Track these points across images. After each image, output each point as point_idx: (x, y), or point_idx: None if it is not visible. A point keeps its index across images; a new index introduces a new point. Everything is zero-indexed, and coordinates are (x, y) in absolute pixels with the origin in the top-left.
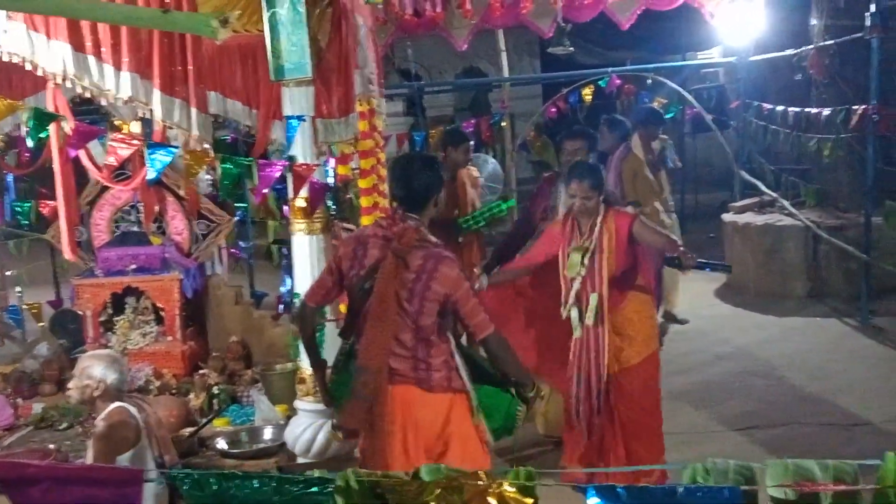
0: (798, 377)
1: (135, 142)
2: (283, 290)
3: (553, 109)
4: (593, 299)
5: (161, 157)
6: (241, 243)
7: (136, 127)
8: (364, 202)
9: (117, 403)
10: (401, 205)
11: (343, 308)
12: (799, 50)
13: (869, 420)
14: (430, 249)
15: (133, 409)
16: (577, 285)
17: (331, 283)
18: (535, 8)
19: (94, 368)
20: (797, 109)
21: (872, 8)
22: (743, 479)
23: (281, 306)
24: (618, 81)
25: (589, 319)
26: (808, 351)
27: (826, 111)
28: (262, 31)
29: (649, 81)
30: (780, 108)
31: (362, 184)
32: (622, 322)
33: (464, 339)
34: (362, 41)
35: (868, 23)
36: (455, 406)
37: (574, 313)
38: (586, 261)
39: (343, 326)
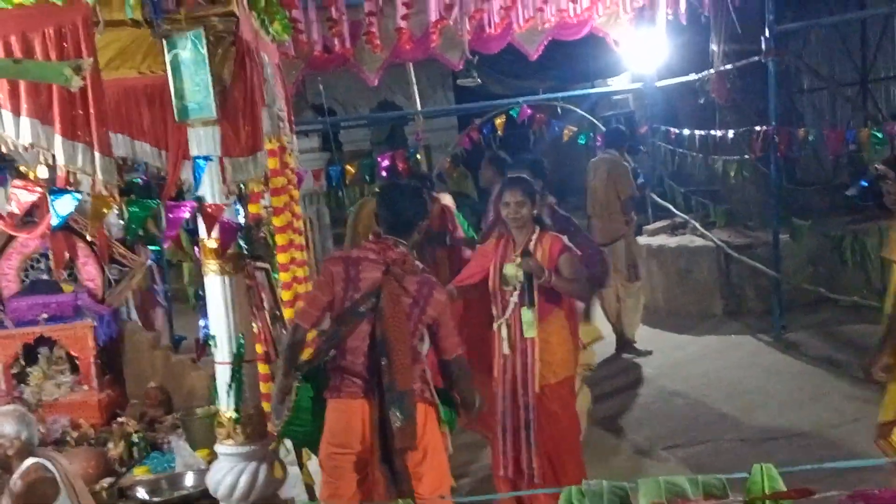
0: (716, 395)
1: (37, 188)
2: (201, 332)
3: (467, 140)
4: (525, 314)
5: (65, 203)
6: (156, 286)
7: (43, 172)
8: (279, 240)
9: (32, 459)
10: (390, 231)
11: (260, 349)
12: (700, 75)
13: (784, 433)
14: (423, 276)
15: (49, 464)
16: (514, 299)
17: (325, 302)
18: (443, 41)
19: (4, 427)
20: (703, 133)
21: (767, 32)
22: (618, 499)
23: (199, 349)
24: (528, 111)
25: (528, 333)
26: (725, 368)
27: (730, 133)
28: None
29: (559, 109)
30: (686, 131)
31: (276, 221)
32: (539, 345)
33: None
34: (269, 78)
35: (763, 46)
36: (428, 416)
37: (504, 331)
38: (521, 275)
39: (320, 347)
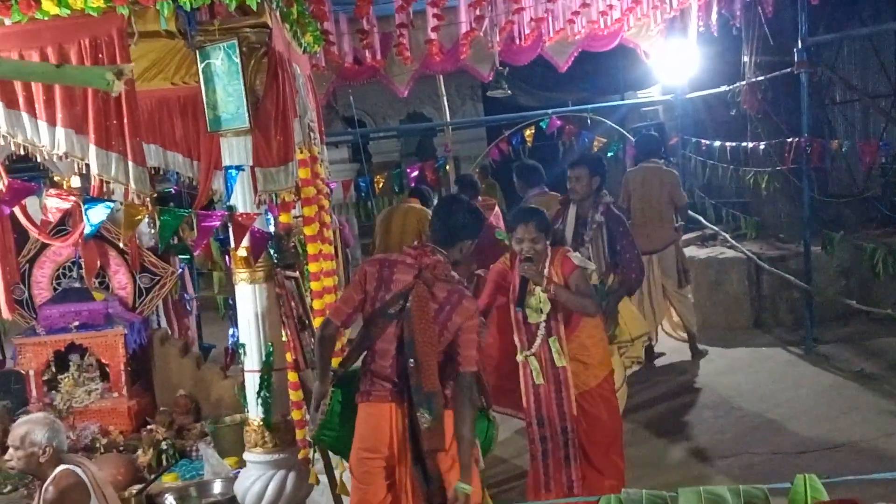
0: (747, 407)
1: (71, 197)
2: (230, 341)
3: (496, 151)
4: (553, 343)
5: (98, 212)
6: (186, 295)
7: (76, 182)
8: (310, 249)
9: (63, 466)
10: (433, 239)
11: (289, 357)
12: (732, 86)
13: (816, 447)
14: (454, 285)
15: (79, 470)
16: (541, 332)
17: (357, 301)
18: (473, 53)
19: (36, 434)
20: (734, 144)
21: (799, 44)
22: None
23: (228, 357)
24: (558, 122)
25: (559, 362)
26: (756, 381)
27: (761, 145)
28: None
29: (589, 121)
30: (717, 143)
31: (307, 231)
32: (577, 348)
33: None
34: (301, 89)
35: (796, 58)
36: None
37: (534, 362)
38: (547, 305)
39: (351, 351)
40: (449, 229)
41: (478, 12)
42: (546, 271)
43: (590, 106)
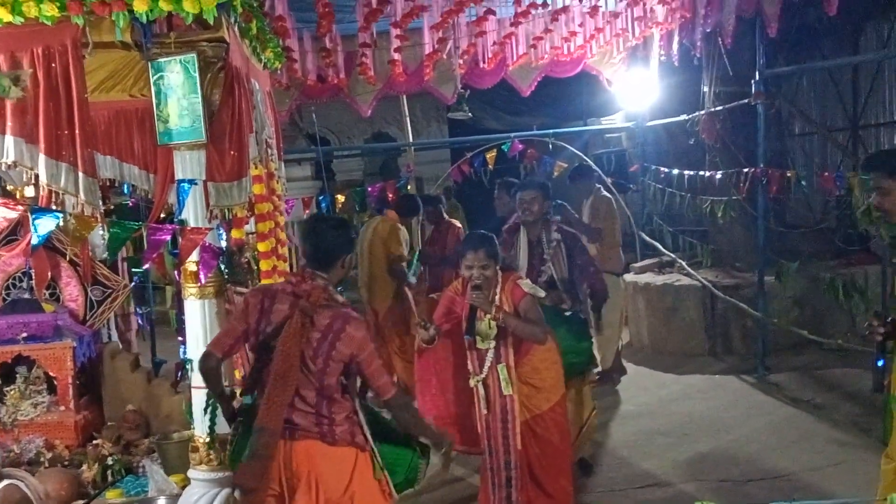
0: (698, 435)
1: (18, 207)
2: (182, 356)
3: (457, 173)
4: (502, 370)
5: (46, 223)
6: (139, 309)
7: (30, 192)
8: (263, 266)
9: (7, 481)
10: (309, 264)
11: (238, 374)
12: (691, 116)
13: (764, 475)
14: (337, 310)
15: (22, 485)
16: (490, 357)
17: (240, 331)
18: (437, 75)
19: None
20: (692, 172)
21: (757, 75)
22: None
23: (179, 373)
24: (520, 146)
25: (506, 390)
26: (708, 408)
27: (719, 174)
28: None
29: (551, 146)
30: (675, 171)
31: (261, 247)
32: (529, 372)
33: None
34: (259, 105)
35: (753, 89)
36: (358, 462)
37: (482, 389)
38: (493, 330)
39: (246, 384)
40: (322, 251)
41: (441, 34)
42: (497, 298)
43: (552, 131)
